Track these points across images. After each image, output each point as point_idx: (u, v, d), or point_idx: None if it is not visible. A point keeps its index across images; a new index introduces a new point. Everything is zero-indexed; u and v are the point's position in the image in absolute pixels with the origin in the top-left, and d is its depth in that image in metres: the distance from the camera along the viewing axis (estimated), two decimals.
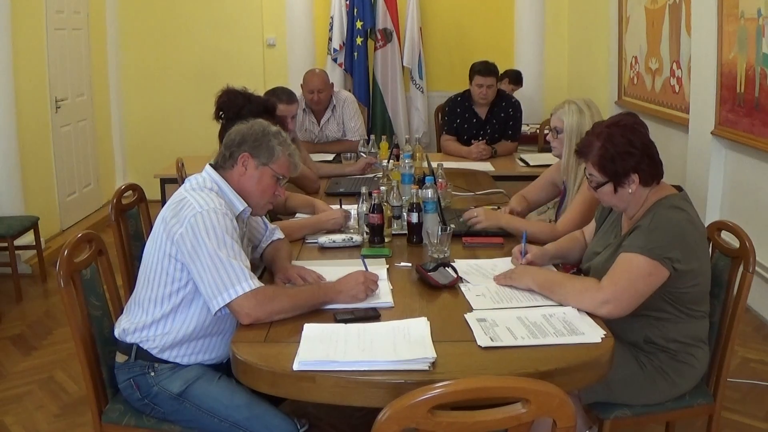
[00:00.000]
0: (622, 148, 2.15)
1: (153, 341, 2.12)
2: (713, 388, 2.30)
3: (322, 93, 4.65)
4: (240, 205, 2.21)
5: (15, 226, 4.56)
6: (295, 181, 3.53)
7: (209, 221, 2.03)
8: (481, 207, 2.94)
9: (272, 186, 2.24)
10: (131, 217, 2.98)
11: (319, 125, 4.77)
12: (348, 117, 4.78)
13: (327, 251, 2.71)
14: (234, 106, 2.77)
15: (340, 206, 3.03)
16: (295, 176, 2.54)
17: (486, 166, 4.40)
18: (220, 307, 2.01)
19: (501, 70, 5.28)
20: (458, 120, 4.87)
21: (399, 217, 2.90)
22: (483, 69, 4.72)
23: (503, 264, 2.47)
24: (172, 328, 2.11)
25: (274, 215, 3.07)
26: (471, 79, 4.78)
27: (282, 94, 3.61)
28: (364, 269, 2.23)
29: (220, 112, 2.84)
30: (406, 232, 2.80)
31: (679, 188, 2.27)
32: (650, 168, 2.18)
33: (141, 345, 2.12)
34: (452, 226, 2.63)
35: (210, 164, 2.25)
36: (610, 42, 6.29)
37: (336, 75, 6.68)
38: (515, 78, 6.39)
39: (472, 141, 4.77)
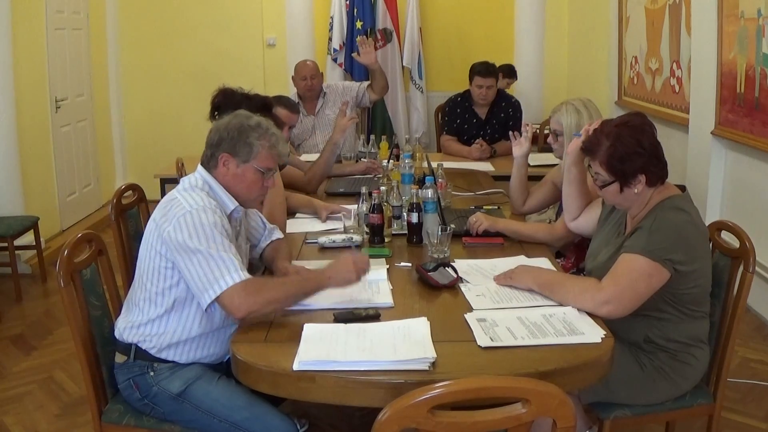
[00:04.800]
0: (631, 149, 2.14)
1: (151, 341, 2.12)
2: (713, 388, 2.30)
3: (315, 79, 4.78)
4: (231, 204, 2.20)
5: (15, 226, 4.56)
6: (287, 185, 3.50)
7: (197, 219, 2.03)
8: (479, 213, 2.92)
9: (258, 180, 2.21)
10: (131, 217, 2.98)
11: (314, 114, 4.82)
12: (341, 90, 4.91)
13: (327, 251, 2.71)
14: (232, 105, 2.76)
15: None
16: (284, 173, 2.51)
17: (486, 166, 4.40)
18: (210, 302, 1.99)
19: None
20: (458, 120, 4.87)
21: (399, 217, 2.89)
22: (483, 70, 4.72)
23: (503, 264, 2.46)
24: (168, 328, 2.11)
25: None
26: (471, 79, 4.78)
27: (288, 101, 3.57)
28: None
29: (215, 112, 2.83)
30: (406, 232, 2.80)
31: (682, 188, 2.27)
32: (657, 169, 2.17)
33: (139, 344, 2.12)
34: (452, 226, 2.62)
35: (201, 164, 2.25)
36: (610, 42, 6.29)
37: (336, 75, 6.69)
38: (509, 71, 6.35)
39: (472, 141, 4.77)
